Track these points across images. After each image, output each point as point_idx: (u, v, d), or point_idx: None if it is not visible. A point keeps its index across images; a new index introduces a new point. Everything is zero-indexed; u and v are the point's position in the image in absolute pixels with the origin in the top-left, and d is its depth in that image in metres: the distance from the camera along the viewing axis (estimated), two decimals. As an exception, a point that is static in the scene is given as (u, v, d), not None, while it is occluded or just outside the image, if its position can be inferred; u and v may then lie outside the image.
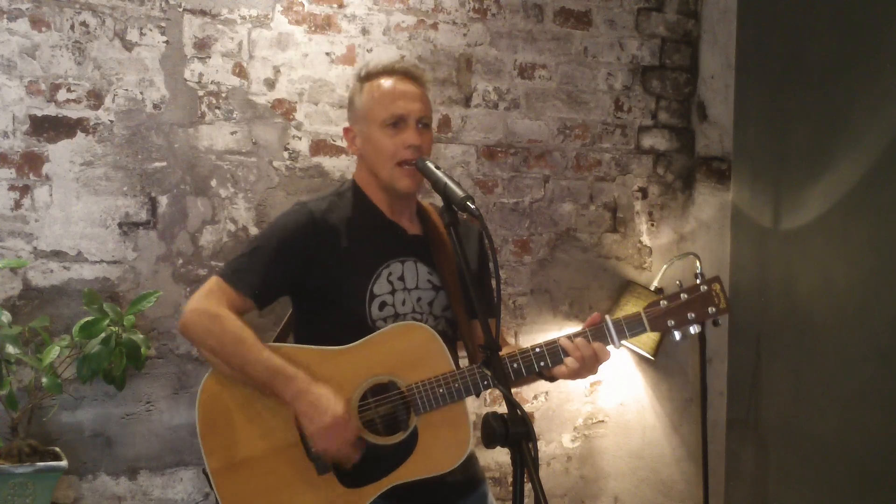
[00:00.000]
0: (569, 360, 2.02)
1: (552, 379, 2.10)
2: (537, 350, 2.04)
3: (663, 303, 2.07)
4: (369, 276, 2.08)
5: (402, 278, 2.11)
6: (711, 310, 2.07)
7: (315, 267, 2.07)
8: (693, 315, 2.06)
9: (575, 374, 2.04)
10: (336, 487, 2.01)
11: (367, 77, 2.17)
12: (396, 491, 2.01)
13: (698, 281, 2.11)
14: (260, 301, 2.09)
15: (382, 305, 2.08)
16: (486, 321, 1.87)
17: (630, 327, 2.07)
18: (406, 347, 2.04)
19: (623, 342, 2.09)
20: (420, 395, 2.01)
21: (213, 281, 2.08)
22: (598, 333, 2.06)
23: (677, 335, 2.08)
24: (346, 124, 2.99)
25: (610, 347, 2.06)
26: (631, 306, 3.32)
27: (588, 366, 2.04)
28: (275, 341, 2.23)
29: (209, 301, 2.04)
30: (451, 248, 2.16)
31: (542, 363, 2.04)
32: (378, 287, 2.08)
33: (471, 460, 2.17)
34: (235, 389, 2.04)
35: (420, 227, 2.21)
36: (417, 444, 2.02)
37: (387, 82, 2.13)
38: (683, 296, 2.07)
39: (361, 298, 2.07)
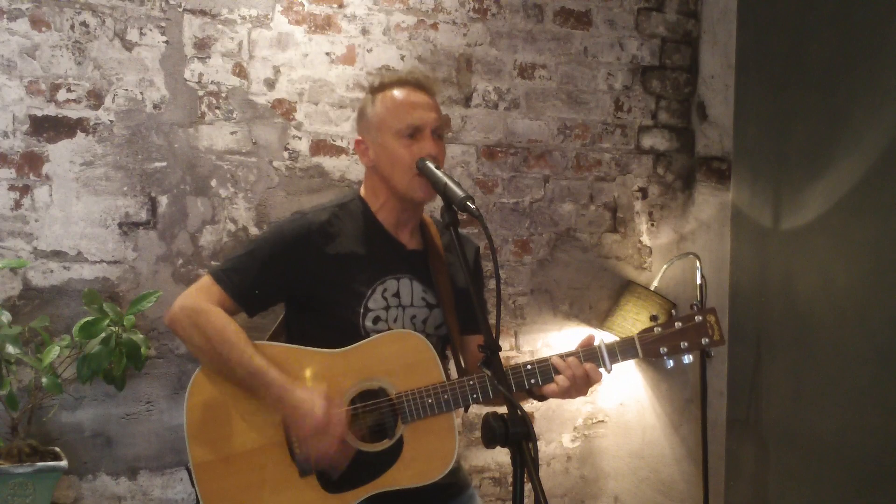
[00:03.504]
0: (560, 379, 2.02)
1: (541, 398, 2.10)
2: (528, 367, 2.04)
3: (657, 329, 2.08)
4: (364, 292, 2.08)
5: (396, 295, 2.11)
6: (705, 340, 2.08)
7: (308, 278, 2.06)
8: (686, 344, 2.07)
9: (565, 394, 2.04)
10: (317, 491, 2.00)
11: (380, 88, 2.15)
12: (378, 495, 2.01)
13: (694, 310, 2.12)
14: (247, 305, 2.08)
15: (377, 320, 2.08)
16: (486, 322, 1.87)
17: (623, 352, 2.07)
18: (398, 355, 2.04)
19: (615, 366, 2.10)
20: (408, 404, 2.00)
21: (205, 279, 2.08)
22: (590, 355, 2.06)
23: (669, 363, 2.09)
24: (347, 125, 3.03)
25: (601, 370, 2.06)
26: (631, 306, 3.32)
27: (578, 386, 2.03)
28: (269, 339, 2.23)
29: (198, 298, 2.04)
30: (447, 265, 2.17)
31: (532, 380, 2.04)
32: (373, 303, 2.08)
33: (456, 466, 2.15)
34: (225, 386, 2.03)
35: (420, 241, 2.20)
36: (402, 453, 2.01)
37: (401, 93, 2.12)
38: (678, 324, 2.08)
39: (356, 312, 2.06)
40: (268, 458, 2.02)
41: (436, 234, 2.21)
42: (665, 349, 2.07)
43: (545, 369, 2.04)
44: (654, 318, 2.14)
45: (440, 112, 2.15)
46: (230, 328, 2.00)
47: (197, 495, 2.02)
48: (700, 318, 2.09)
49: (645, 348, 2.07)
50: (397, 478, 2.00)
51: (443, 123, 2.15)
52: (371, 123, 2.14)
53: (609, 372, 2.08)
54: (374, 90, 2.17)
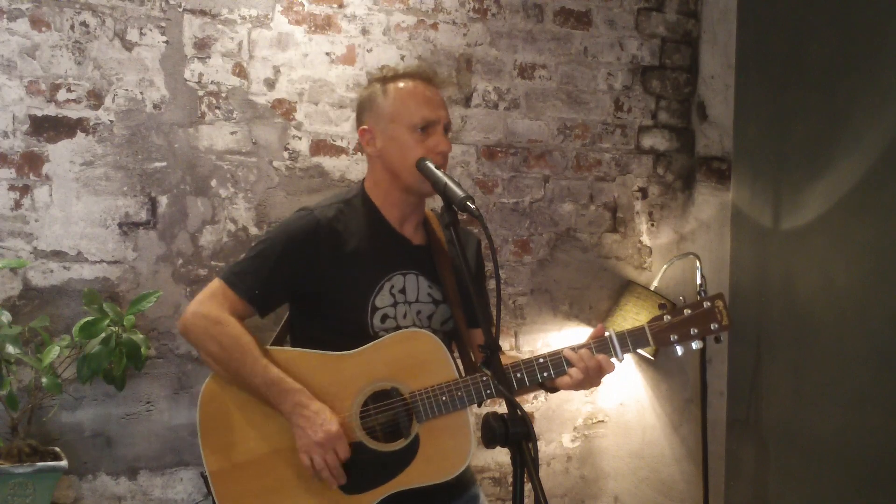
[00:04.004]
0: (573, 371, 2.03)
1: (553, 390, 2.10)
2: (541, 360, 2.04)
3: (667, 317, 2.09)
4: (372, 289, 2.08)
5: (403, 291, 2.11)
6: (714, 326, 2.10)
7: (317, 275, 2.06)
8: (696, 330, 2.09)
9: (578, 385, 2.05)
10: (335, 493, 2.00)
11: (394, 78, 2.14)
12: (390, 495, 2.01)
13: (701, 297, 2.13)
14: (261, 306, 2.08)
15: (384, 318, 2.07)
16: (486, 322, 1.87)
17: (634, 341, 2.08)
18: (409, 354, 2.03)
19: (626, 355, 2.11)
20: (422, 403, 2.00)
21: (216, 283, 2.07)
22: (601, 346, 2.06)
23: (679, 350, 2.11)
24: (347, 125, 3.02)
25: (613, 360, 2.06)
26: (631, 306, 3.32)
27: (591, 377, 2.04)
28: (272, 344, 2.22)
29: (211, 305, 2.03)
30: (451, 259, 2.17)
31: (545, 374, 2.04)
32: (380, 300, 2.08)
33: None
34: (237, 392, 2.03)
35: (424, 236, 2.20)
36: (418, 452, 2.01)
37: (415, 85, 2.12)
38: (687, 311, 2.10)
39: (363, 310, 2.06)
40: (284, 462, 2.02)
41: (438, 228, 2.21)
42: (675, 336, 2.08)
43: (557, 362, 2.04)
44: (662, 306, 2.15)
45: (447, 108, 2.16)
46: (245, 338, 2.00)
47: (214, 502, 2.02)
48: (709, 304, 2.10)
49: (655, 336, 2.08)
50: (414, 477, 2.00)
51: (450, 120, 2.16)
52: (382, 113, 2.12)
53: (621, 361, 2.09)
54: (385, 80, 2.15)
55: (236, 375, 2.01)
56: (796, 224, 3.31)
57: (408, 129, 2.08)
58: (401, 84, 2.12)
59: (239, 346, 1.99)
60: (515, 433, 1.64)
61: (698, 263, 3.36)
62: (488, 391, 2.01)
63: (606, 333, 2.08)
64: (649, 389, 3.53)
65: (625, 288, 3.43)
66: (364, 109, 2.18)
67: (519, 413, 1.66)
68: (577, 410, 3.42)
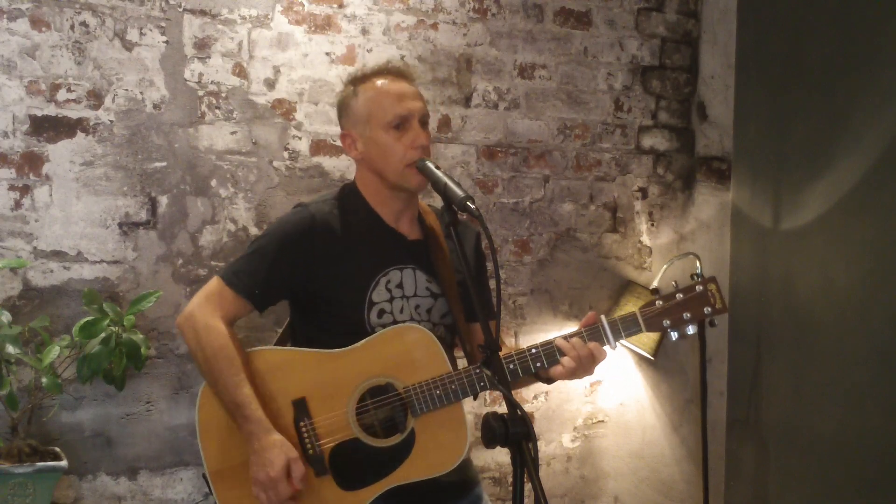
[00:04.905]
0: (565, 360, 2.02)
1: (549, 380, 2.10)
2: (533, 351, 2.04)
3: (659, 303, 2.06)
4: (368, 284, 2.08)
5: (400, 286, 2.11)
6: (707, 310, 2.06)
7: (314, 271, 2.07)
8: (689, 315, 2.05)
9: (572, 375, 2.03)
10: (333, 490, 2.01)
11: (362, 79, 2.16)
12: (391, 492, 2.02)
13: (694, 281, 2.10)
14: (259, 303, 2.09)
15: (381, 313, 2.08)
16: (486, 321, 1.87)
17: (625, 327, 2.06)
18: (403, 349, 2.04)
19: (619, 342, 2.09)
20: (417, 397, 2.00)
21: (214, 282, 2.09)
22: (593, 333, 2.05)
23: (674, 335, 2.07)
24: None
25: (606, 348, 2.05)
26: (631, 306, 3.32)
27: (584, 366, 2.03)
28: (275, 345, 2.23)
29: (208, 306, 2.04)
30: (448, 253, 2.17)
31: (538, 364, 2.04)
32: (377, 295, 2.08)
33: (466, 462, 2.17)
34: None
35: (420, 231, 2.20)
36: (415, 446, 2.02)
37: (383, 83, 2.13)
38: (679, 296, 2.06)
39: (360, 306, 2.07)
40: None
41: (435, 223, 2.21)
42: (668, 322, 2.05)
43: (550, 352, 2.03)
44: (655, 291, 2.12)
45: (423, 99, 2.16)
46: (226, 351, 2.00)
47: (216, 502, 2.03)
48: (701, 287, 2.07)
49: (647, 322, 2.05)
50: (411, 471, 2.01)
51: (427, 110, 2.16)
52: (358, 117, 2.13)
53: (613, 349, 2.07)
54: (356, 82, 2.17)
55: (212, 385, 2.03)
56: (796, 224, 3.31)
57: (383, 129, 2.08)
58: (370, 84, 2.13)
59: (218, 357, 2.00)
60: (515, 433, 1.64)
61: (698, 263, 3.35)
62: (482, 384, 2.01)
63: (598, 321, 2.07)
64: (649, 389, 3.53)
65: (625, 288, 3.43)
66: (341, 115, 2.21)
67: (519, 413, 1.66)
68: (577, 410, 3.43)
